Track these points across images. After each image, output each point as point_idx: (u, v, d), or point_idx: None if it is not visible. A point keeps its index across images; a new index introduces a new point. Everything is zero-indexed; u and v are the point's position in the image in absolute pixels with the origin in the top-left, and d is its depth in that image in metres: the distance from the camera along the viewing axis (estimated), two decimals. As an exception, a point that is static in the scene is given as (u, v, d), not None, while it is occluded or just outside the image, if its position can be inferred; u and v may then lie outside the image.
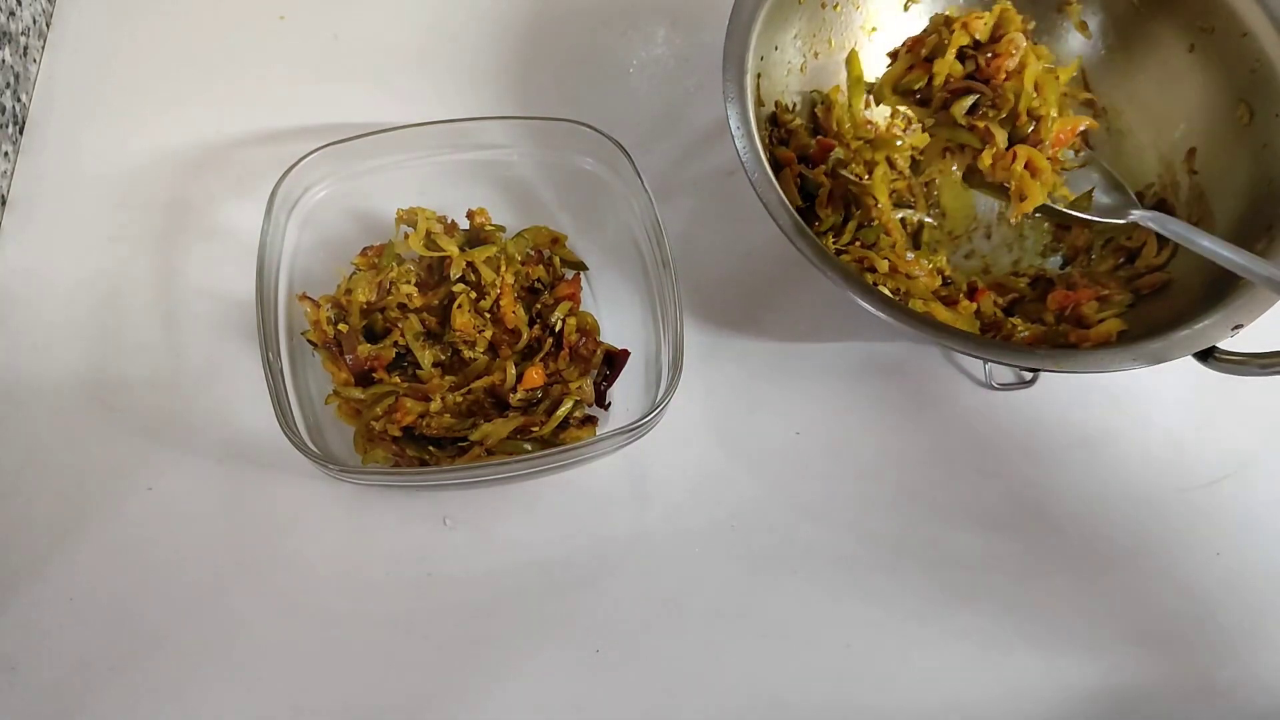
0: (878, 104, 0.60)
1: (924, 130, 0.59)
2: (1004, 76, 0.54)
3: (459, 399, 0.55)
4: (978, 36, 0.55)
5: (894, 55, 0.59)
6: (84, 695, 0.50)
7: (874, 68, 0.64)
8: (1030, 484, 0.58)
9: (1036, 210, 0.55)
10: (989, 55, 0.54)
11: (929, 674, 0.54)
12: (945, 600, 0.55)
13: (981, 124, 0.54)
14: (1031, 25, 0.56)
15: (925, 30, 0.57)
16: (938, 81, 0.56)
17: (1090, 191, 0.58)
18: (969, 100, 0.55)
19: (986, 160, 0.54)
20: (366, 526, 0.55)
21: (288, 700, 0.51)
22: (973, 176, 0.57)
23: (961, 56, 0.56)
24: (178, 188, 0.63)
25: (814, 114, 0.64)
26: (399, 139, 0.60)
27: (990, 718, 0.53)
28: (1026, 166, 0.54)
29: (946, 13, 0.57)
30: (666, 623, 0.54)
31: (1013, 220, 0.57)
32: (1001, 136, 0.54)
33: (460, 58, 0.69)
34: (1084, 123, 0.56)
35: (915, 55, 0.57)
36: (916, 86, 0.57)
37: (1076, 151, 0.58)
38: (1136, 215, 0.57)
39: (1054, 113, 0.54)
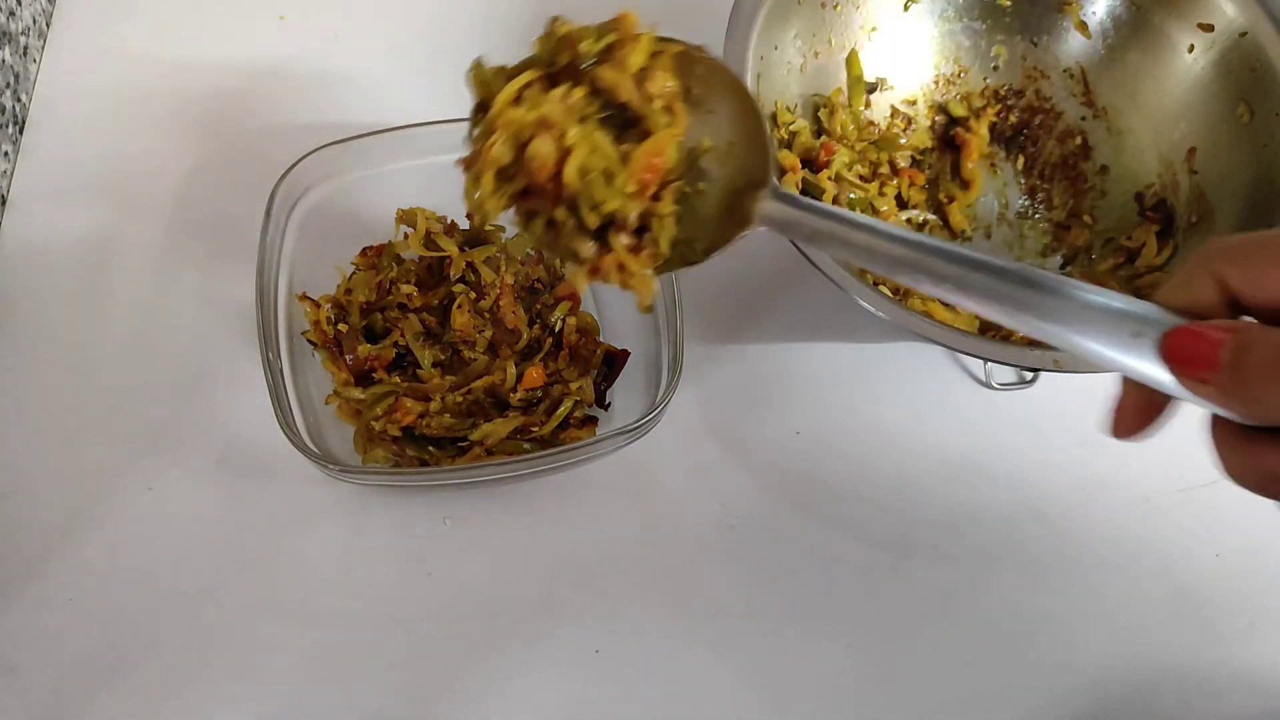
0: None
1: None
2: (551, 181, 0.40)
3: (459, 399, 0.55)
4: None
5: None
6: (84, 696, 0.50)
7: (874, 68, 0.65)
8: (1030, 484, 0.58)
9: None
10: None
11: (929, 674, 0.54)
12: (945, 600, 0.55)
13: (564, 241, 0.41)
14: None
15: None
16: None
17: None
18: (541, 219, 0.41)
19: (581, 284, 0.41)
20: (366, 526, 0.55)
21: (288, 700, 0.51)
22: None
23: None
24: (178, 187, 0.63)
25: (817, 117, 0.64)
26: (399, 139, 0.59)
27: (990, 717, 0.53)
28: (620, 269, 0.40)
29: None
30: (666, 623, 0.54)
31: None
32: (586, 249, 0.40)
33: (460, 57, 0.68)
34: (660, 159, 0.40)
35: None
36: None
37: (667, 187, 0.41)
38: (753, 226, 0.39)
39: (616, 203, 0.39)
